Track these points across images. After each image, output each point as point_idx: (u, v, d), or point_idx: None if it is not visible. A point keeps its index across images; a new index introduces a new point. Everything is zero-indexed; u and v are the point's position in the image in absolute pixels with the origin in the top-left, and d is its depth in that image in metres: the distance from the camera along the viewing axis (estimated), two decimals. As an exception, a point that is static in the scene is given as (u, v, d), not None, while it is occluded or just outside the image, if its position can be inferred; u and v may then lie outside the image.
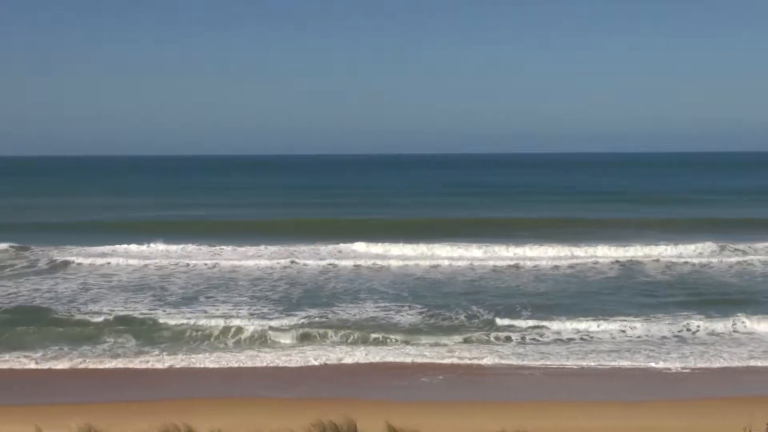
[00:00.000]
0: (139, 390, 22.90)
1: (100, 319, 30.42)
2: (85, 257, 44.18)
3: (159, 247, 47.04)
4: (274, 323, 29.73)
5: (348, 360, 25.55)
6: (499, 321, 29.93)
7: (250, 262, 42.84)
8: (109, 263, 43.01)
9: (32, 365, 24.99)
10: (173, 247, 47.08)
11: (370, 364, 25.30)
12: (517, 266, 42.51)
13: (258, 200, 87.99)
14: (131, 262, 43.17)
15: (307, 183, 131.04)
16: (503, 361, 25.29)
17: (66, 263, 42.63)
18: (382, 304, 33.00)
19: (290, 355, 26.06)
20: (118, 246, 47.25)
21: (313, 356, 25.85)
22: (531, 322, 29.67)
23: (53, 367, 24.87)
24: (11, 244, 47.63)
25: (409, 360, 25.49)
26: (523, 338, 27.96)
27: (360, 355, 25.92)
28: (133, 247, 46.86)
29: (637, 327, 29.06)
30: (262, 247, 47.19)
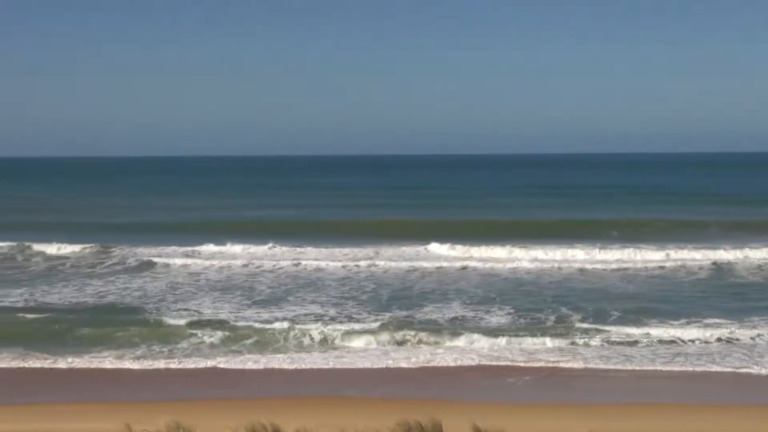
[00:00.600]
0: (227, 389, 23.15)
1: (189, 318, 30.76)
2: (168, 257, 44.95)
3: (237, 248, 47.31)
4: (362, 323, 29.86)
5: (435, 360, 25.45)
6: (586, 323, 29.58)
7: (336, 263, 43.07)
8: (194, 263, 43.66)
9: (125, 364, 25.31)
10: (256, 248, 47.37)
11: (458, 364, 25.14)
12: (603, 268, 41.97)
13: (334, 200, 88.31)
14: (215, 262, 43.74)
15: (382, 183, 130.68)
16: (590, 364, 24.98)
17: (151, 263, 43.35)
18: (470, 305, 32.89)
19: (377, 355, 26.08)
20: (200, 246, 47.87)
21: (400, 356, 25.87)
22: (618, 325, 29.26)
23: (143, 366, 25.17)
24: (95, 244, 48.47)
25: (495, 361, 25.30)
26: (610, 341, 27.55)
27: (446, 356, 25.81)
28: (215, 248, 47.31)
29: (727, 330, 28.42)
30: (347, 249, 47.27)
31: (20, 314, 31.60)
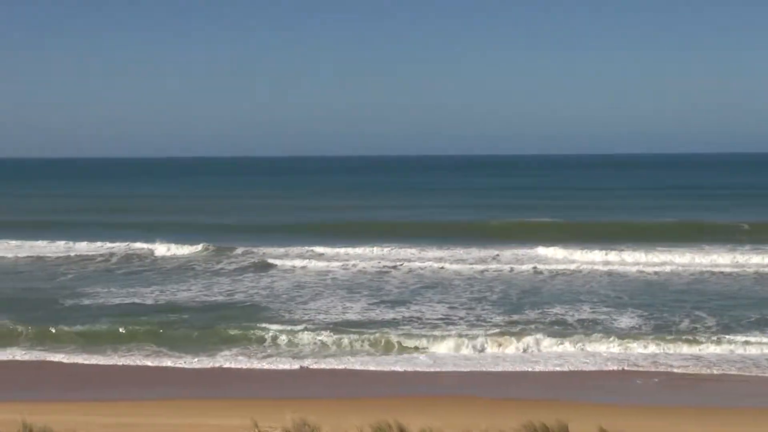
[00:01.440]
0: (353, 387, 23.34)
1: (315, 318, 31.06)
2: (288, 258, 45.49)
3: (359, 249, 47.40)
4: (491, 324, 29.80)
5: (562, 362, 25.13)
6: (717, 328, 28.80)
7: (459, 266, 42.82)
8: (316, 263, 44.06)
9: (252, 363, 25.68)
10: (379, 250, 47.46)
11: (585, 365, 24.75)
12: (735, 271, 40.69)
13: (447, 201, 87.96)
14: (337, 262, 44.01)
15: (500, 183, 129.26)
16: (719, 370, 24.39)
17: (270, 264, 43.93)
18: (600, 307, 32.37)
19: (504, 356, 25.89)
20: (319, 247, 48.33)
21: (528, 357, 25.67)
22: (749, 331, 28.33)
23: (270, 365, 25.48)
24: (210, 244, 49.60)
25: (623, 364, 24.82)
26: (739, 345, 26.63)
27: (574, 358, 25.45)
28: (335, 249, 47.60)
29: None
30: (473, 249, 47.16)
31: (151, 313, 32.28)
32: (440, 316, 31.29)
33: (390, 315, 31.62)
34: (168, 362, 25.93)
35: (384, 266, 43.00)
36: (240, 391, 22.97)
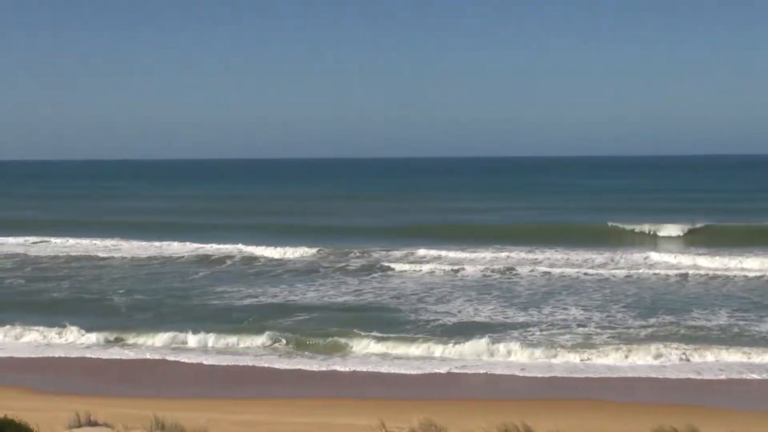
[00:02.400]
0: (480, 389, 23.33)
1: (444, 319, 31.15)
2: (408, 261, 45.31)
3: (485, 253, 47.01)
4: (625, 328, 29.49)
5: (696, 367, 24.64)
6: None
7: (584, 269, 42.18)
8: (433, 266, 43.74)
9: (382, 366, 25.77)
10: (489, 252, 47.18)
11: (719, 371, 24.18)
12: None
13: (563, 203, 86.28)
14: (454, 265, 43.57)
15: (617, 185, 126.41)
16: None
17: (389, 266, 43.79)
18: (739, 313, 31.51)
19: (633, 360, 25.50)
20: (434, 249, 48.11)
21: (657, 361, 25.26)
22: None
23: (398, 367, 25.55)
24: (327, 246, 50.00)
25: (757, 370, 24.15)
26: None
27: (706, 362, 24.91)
28: (459, 253, 47.23)
29: None
30: (592, 252, 46.75)
31: (279, 313, 32.96)
32: (572, 319, 30.91)
33: (521, 318, 31.38)
34: (297, 362, 26.25)
35: (506, 268, 42.64)
36: (368, 392, 23.18)
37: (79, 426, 15.15)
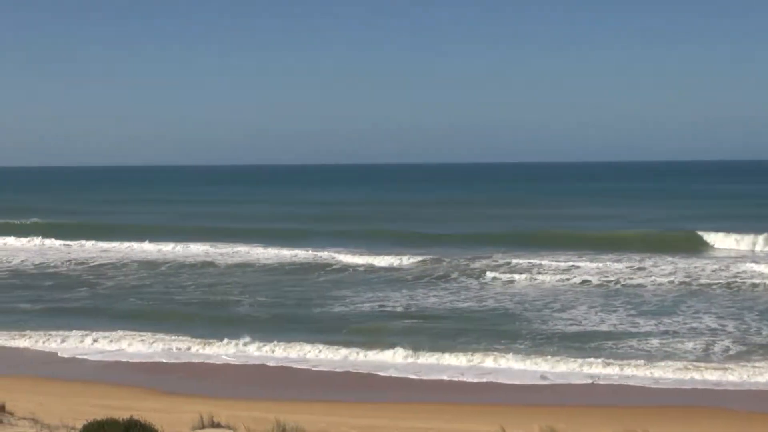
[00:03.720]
0: (601, 396, 23.06)
1: (570, 327, 31.00)
2: (517, 269, 44.77)
3: (616, 263, 46.20)
4: (755, 336, 29.00)
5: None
6: None
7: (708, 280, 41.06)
8: (547, 276, 42.92)
9: (501, 375, 25.73)
10: (600, 262, 46.27)
11: None
12: None
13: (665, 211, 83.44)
14: (588, 275, 42.77)
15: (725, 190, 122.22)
16: None
17: (498, 272, 43.48)
18: None
19: (761, 370, 24.86)
20: (547, 258, 47.37)
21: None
22: None
23: (522, 370, 25.49)
24: (429, 256, 49.38)
25: None
26: None
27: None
28: (560, 260, 46.60)
29: None
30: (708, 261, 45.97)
31: (402, 318, 33.38)
32: (705, 328, 30.42)
33: (649, 326, 30.92)
34: (416, 366, 26.39)
35: (624, 275, 42.03)
36: (487, 397, 23.24)
37: (203, 427, 15.57)
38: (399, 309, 35.55)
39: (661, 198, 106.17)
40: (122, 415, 13.81)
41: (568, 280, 41.66)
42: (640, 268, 43.99)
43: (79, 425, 13.40)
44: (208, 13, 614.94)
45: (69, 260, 51.98)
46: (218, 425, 15.76)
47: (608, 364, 25.91)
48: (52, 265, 50.47)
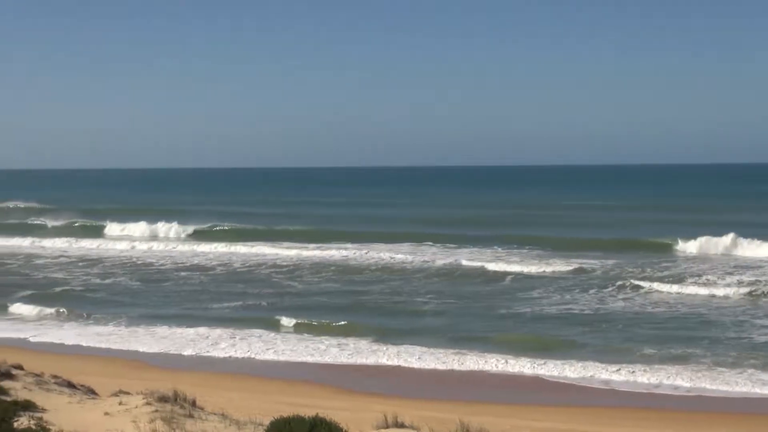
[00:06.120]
0: None
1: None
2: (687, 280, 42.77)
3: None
4: None
5: None
6: None
7: None
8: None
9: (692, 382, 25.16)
10: None
11: None
12: None
13: None
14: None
15: None
16: None
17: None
18: None
19: None
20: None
21: None
22: None
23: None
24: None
25: None
26: None
27: None
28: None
29: None
30: None
31: (583, 323, 33.12)
32: None
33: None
34: (598, 370, 26.12)
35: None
36: (668, 404, 22.85)
37: (387, 427, 15.73)
38: (587, 312, 35.42)
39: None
40: (308, 412, 14.10)
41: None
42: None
43: (267, 422, 13.72)
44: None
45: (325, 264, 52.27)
46: (402, 425, 15.89)
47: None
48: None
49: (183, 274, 49.46)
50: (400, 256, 53.76)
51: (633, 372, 25.95)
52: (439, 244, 59.74)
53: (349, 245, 59.58)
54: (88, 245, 65.83)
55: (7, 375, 16.51)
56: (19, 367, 17.29)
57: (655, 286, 40.94)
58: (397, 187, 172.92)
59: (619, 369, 26.12)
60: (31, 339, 31.95)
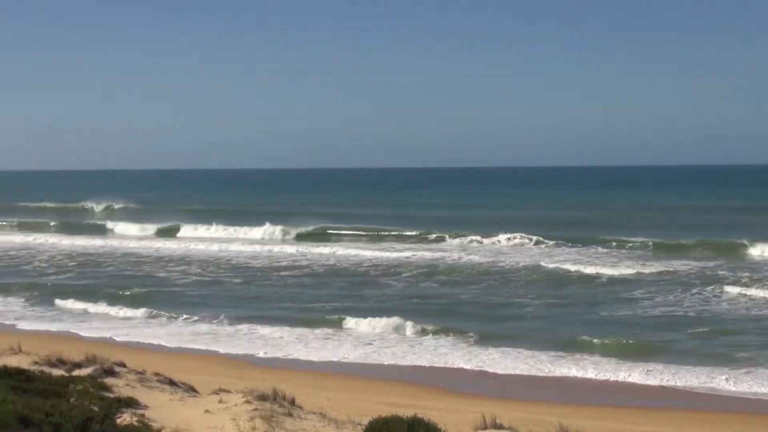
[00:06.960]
0: None
1: None
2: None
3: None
4: None
5: None
6: None
7: None
8: None
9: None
10: None
11: None
12: None
13: None
14: None
15: None
16: None
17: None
18: None
19: None
20: None
21: None
22: None
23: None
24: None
25: None
26: None
27: None
28: None
29: None
30: None
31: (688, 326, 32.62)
32: None
33: None
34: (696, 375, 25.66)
35: None
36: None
37: (485, 428, 15.69)
38: (691, 314, 34.94)
39: None
40: (406, 412, 14.13)
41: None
42: None
43: (365, 421, 13.78)
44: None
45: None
46: (500, 427, 15.84)
47: None
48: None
49: (283, 273, 49.89)
50: (500, 258, 53.94)
51: (741, 377, 25.36)
52: (538, 246, 59.97)
53: (451, 243, 60.81)
54: (194, 246, 66.55)
55: (111, 372, 16.91)
56: (122, 365, 17.69)
57: (757, 292, 39.68)
58: (489, 188, 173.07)
59: (728, 375, 25.49)
60: (131, 338, 32.46)
